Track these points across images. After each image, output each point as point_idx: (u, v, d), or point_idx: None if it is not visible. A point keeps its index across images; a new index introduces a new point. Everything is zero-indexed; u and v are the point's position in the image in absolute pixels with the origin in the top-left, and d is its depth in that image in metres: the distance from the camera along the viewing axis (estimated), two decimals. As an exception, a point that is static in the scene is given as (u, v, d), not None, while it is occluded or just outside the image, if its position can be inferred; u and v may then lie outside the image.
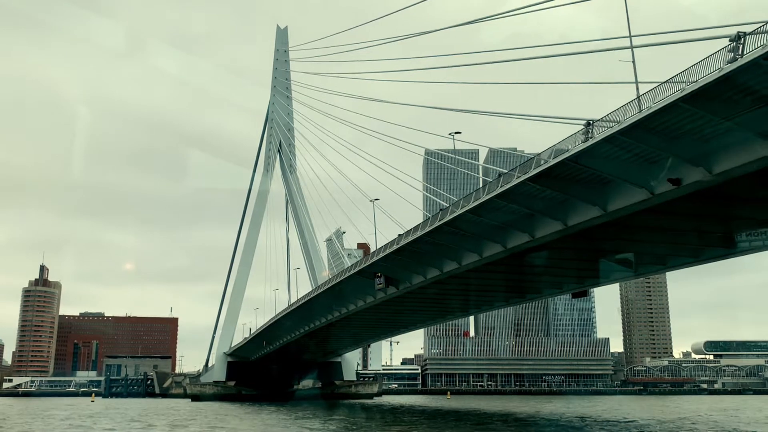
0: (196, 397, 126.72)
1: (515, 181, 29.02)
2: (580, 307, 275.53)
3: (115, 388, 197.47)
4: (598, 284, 49.81)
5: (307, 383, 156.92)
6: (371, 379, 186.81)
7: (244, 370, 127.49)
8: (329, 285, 63.00)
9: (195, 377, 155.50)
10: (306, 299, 72.29)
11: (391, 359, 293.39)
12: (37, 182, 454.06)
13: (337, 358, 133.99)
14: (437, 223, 37.02)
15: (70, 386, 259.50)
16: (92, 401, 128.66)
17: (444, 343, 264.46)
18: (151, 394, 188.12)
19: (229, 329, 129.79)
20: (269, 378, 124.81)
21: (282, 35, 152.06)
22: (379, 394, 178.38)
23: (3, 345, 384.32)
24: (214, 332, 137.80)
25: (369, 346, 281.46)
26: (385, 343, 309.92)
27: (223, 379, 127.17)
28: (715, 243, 37.69)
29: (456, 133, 40.91)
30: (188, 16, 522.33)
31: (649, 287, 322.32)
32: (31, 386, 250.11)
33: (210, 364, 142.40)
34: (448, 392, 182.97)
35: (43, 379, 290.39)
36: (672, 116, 21.60)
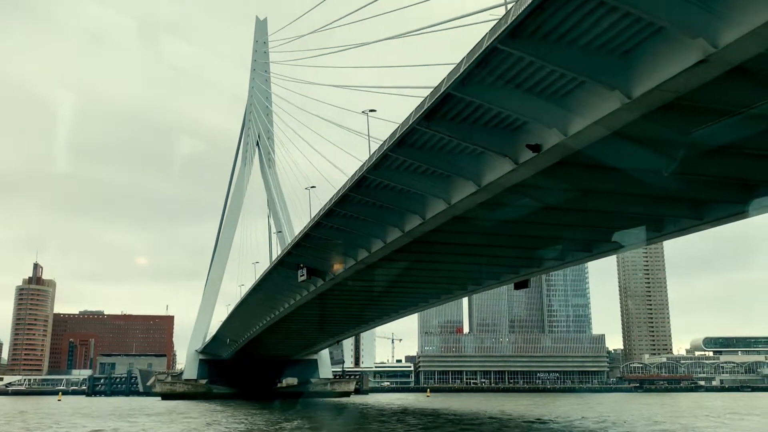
0: (166, 396, 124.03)
1: (379, 153, 25.77)
2: (576, 303, 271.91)
3: (98, 387, 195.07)
4: (532, 274, 46.39)
5: (292, 381, 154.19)
6: (350, 377, 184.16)
7: (217, 369, 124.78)
8: (257, 280, 59.97)
9: (177, 375, 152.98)
10: (242, 298, 69.57)
11: (392, 356, 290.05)
12: (27, 179, 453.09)
13: (313, 355, 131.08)
14: (329, 206, 33.79)
15: (61, 384, 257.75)
16: (59, 400, 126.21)
17: (437, 340, 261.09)
18: (136, 393, 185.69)
19: (202, 326, 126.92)
20: (243, 376, 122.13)
21: (261, 26, 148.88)
22: (366, 392, 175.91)
23: (2, 344, 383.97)
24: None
25: (361, 342, 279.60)
26: (385, 341, 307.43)
27: (195, 378, 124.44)
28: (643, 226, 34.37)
29: (371, 111, 37.21)
30: (162, 4, 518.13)
31: (649, 283, 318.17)
32: (20, 384, 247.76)
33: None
34: (428, 390, 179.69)
35: (36, 377, 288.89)
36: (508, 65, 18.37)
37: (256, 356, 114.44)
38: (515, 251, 39.38)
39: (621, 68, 17.01)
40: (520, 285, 51.71)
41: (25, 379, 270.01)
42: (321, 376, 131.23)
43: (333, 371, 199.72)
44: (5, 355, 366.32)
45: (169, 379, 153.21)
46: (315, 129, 79.10)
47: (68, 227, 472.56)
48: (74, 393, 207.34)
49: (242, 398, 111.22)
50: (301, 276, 47.54)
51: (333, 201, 32.71)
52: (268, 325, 78.05)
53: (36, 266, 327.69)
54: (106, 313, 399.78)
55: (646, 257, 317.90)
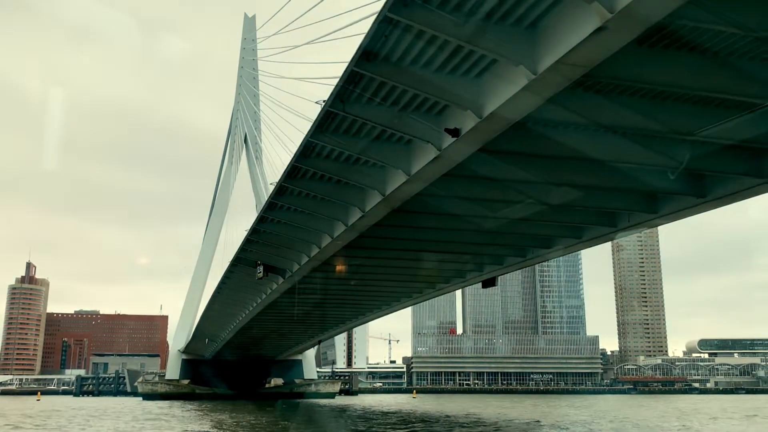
0: (147, 396, 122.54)
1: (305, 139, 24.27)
2: (570, 304, 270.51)
3: (86, 387, 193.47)
4: (498, 271, 44.85)
5: (278, 382, 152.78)
6: (339, 377, 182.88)
7: (200, 369, 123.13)
8: (221, 279, 58.47)
9: (163, 375, 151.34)
10: (210, 297, 68.15)
11: (389, 357, 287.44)
12: (20, 178, 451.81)
13: (298, 356, 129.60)
14: (269, 198, 32.26)
15: (52, 384, 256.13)
16: (38, 400, 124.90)
17: (430, 341, 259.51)
18: (123, 393, 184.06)
19: (186, 326, 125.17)
20: (228, 377, 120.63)
21: (250, 23, 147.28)
22: (356, 393, 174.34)
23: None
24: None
25: (354, 342, 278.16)
26: (382, 342, 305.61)
27: (177, 378, 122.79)
28: (598, 221, 32.92)
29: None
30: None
31: (644, 284, 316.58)
32: (11, 384, 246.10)
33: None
34: (414, 391, 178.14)
35: (28, 377, 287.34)
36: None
37: (240, 356, 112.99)
38: (471, 247, 37.93)
39: (527, 42, 15.56)
40: (488, 283, 50.17)
41: (15, 379, 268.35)
42: (306, 377, 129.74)
43: (321, 372, 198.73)
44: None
45: (156, 379, 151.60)
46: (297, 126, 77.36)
47: (63, 227, 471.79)
48: (64, 393, 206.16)
49: (224, 399, 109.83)
50: (258, 273, 46.05)
51: (272, 193, 31.24)
52: (242, 325, 76.59)
53: (29, 265, 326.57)
54: (101, 312, 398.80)
55: (642, 258, 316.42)
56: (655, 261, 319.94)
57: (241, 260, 47.58)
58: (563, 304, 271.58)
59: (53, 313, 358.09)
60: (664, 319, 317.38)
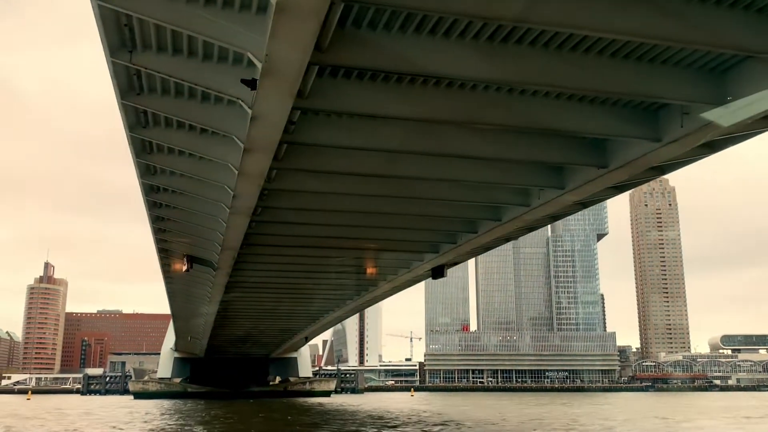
0: (139, 395, 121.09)
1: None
2: (586, 300, 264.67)
3: (93, 386, 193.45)
4: (437, 259, 41.48)
5: (275, 380, 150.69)
6: (345, 375, 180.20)
7: (194, 367, 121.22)
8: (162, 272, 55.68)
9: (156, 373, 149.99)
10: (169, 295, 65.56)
11: (411, 355, 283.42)
12: (34, 178, 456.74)
13: (293, 353, 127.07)
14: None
15: (67, 383, 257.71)
16: (28, 399, 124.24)
17: (444, 338, 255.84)
18: (128, 392, 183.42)
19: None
20: (223, 375, 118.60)
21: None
22: (361, 391, 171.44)
23: (18, 342, 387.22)
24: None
25: (366, 340, 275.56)
26: (403, 339, 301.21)
27: (169, 376, 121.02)
28: (513, 200, 29.57)
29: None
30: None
31: (666, 279, 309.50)
32: (23, 383, 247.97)
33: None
34: (412, 389, 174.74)
35: (47, 376, 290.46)
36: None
37: (235, 355, 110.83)
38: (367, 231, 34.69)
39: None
40: (436, 274, 46.97)
41: (32, 378, 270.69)
42: (301, 375, 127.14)
43: (327, 371, 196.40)
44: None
45: (147, 377, 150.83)
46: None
47: (83, 226, 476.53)
48: (78, 392, 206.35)
49: (214, 398, 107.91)
50: (183, 265, 43.26)
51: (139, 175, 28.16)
52: (212, 321, 74.22)
53: (47, 265, 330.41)
54: (124, 312, 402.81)
55: (663, 251, 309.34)
56: (677, 255, 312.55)
57: (167, 252, 44.77)
58: (579, 300, 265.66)
59: (73, 313, 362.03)
60: (686, 315, 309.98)
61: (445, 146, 22.17)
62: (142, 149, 25.38)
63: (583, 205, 31.43)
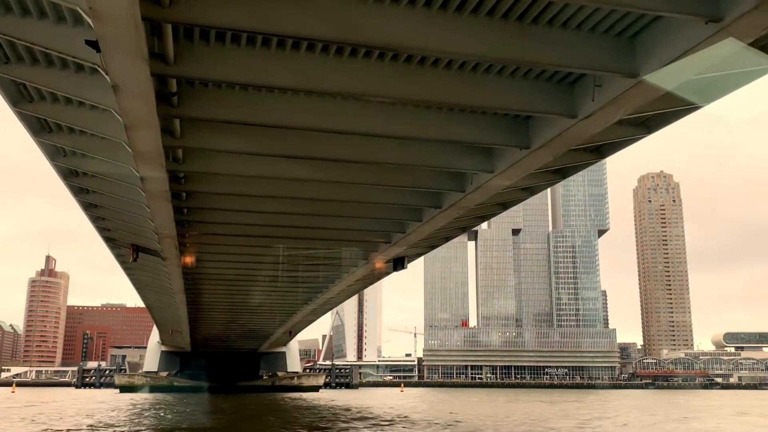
0: (125, 389, 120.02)
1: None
2: (586, 296, 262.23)
3: (87, 379, 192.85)
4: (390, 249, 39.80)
5: (264, 374, 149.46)
6: (340, 370, 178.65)
7: (182, 361, 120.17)
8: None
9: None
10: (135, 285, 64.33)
11: (414, 350, 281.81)
12: (35, 170, 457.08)
13: (281, 348, 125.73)
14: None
15: (66, 376, 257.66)
16: (12, 392, 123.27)
17: (442, 333, 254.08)
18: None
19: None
20: (212, 370, 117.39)
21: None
22: (356, 386, 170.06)
23: (20, 334, 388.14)
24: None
25: (364, 335, 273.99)
26: (406, 335, 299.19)
27: (155, 370, 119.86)
28: (451, 185, 27.82)
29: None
30: None
31: (669, 276, 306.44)
32: (20, 376, 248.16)
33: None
34: (402, 385, 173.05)
35: (48, 369, 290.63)
36: None
37: (224, 349, 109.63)
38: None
39: None
40: (397, 265, 45.27)
41: (32, 371, 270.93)
42: (289, 370, 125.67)
43: (324, 366, 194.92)
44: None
45: (129, 370, 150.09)
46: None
47: (86, 220, 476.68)
48: (78, 385, 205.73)
49: (200, 392, 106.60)
50: (130, 255, 41.68)
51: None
52: (185, 313, 72.82)
53: (48, 258, 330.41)
54: (127, 305, 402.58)
55: (666, 247, 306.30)
56: (681, 251, 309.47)
57: (114, 241, 43.20)
58: (579, 296, 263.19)
59: (75, 306, 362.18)
60: (689, 312, 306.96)
61: (345, 123, 20.36)
62: (40, 127, 23.72)
63: (530, 191, 29.80)
